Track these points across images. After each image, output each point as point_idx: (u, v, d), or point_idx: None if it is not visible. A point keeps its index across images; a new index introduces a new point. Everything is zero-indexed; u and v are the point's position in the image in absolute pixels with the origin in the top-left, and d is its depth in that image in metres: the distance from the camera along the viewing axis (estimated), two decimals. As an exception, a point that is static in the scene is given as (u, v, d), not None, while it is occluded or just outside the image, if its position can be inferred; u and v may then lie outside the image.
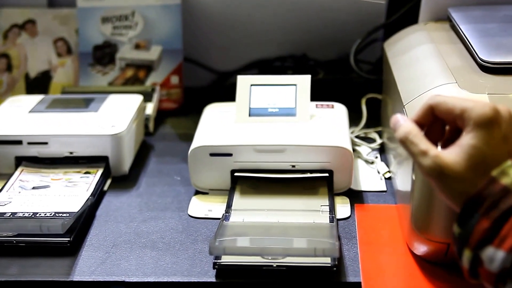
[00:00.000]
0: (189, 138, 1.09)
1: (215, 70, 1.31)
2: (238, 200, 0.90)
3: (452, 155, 0.65)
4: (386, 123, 1.04)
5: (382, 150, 1.06)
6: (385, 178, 0.98)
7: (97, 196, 0.93)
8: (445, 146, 0.70)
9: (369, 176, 0.98)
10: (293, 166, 0.92)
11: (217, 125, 0.97)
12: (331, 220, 0.84)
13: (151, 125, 1.14)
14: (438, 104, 0.68)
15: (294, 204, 0.89)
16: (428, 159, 0.65)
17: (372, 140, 1.09)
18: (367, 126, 1.12)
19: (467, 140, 0.65)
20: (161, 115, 1.20)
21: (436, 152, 0.65)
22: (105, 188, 0.97)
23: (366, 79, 1.17)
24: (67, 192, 0.92)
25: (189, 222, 0.89)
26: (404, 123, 0.69)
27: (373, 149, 1.05)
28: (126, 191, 0.97)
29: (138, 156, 1.06)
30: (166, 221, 0.89)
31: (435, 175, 0.65)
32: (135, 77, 1.22)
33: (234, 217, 0.86)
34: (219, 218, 0.88)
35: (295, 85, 0.99)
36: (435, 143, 0.70)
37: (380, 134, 1.09)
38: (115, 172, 0.99)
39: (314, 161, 0.91)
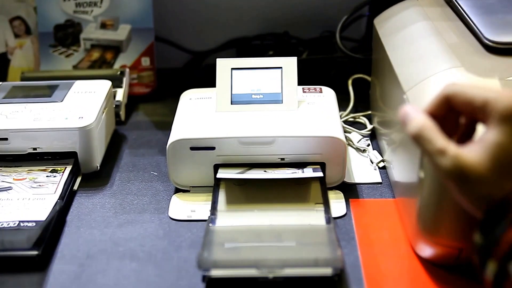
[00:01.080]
0: (164, 126, 1.01)
1: (189, 50, 1.22)
2: (224, 199, 0.82)
3: (474, 154, 0.57)
4: (376, 107, 0.97)
5: (372, 136, 0.98)
6: (379, 168, 0.90)
7: (67, 198, 0.84)
8: (460, 142, 0.62)
9: (361, 166, 0.91)
10: (282, 159, 0.84)
11: (196, 114, 0.88)
12: (328, 221, 0.77)
13: (122, 113, 1.05)
14: (455, 94, 0.61)
15: (284, 201, 0.81)
16: (447, 159, 0.58)
17: (361, 126, 1.01)
18: (355, 109, 1.04)
19: (491, 136, 0.57)
20: (132, 101, 1.11)
21: (456, 151, 0.58)
22: (75, 187, 0.88)
23: (350, 58, 1.09)
24: (32, 195, 0.83)
25: (170, 226, 0.80)
26: (416, 116, 0.61)
27: (364, 136, 0.98)
28: (98, 190, 0.88)
29: (110, 148, 0.97)
30: (145, 225, 0.81)
31: (455, 177, 0.58)
32: (102, 59, 1.12)
33: (221, 220, 0.78)
34: (203, 220, 0.80)
35: (280, 68, 0.90)
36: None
37: (369, 119, 1.01)
38: (85, 169, 0.90)
39: (304, 153, 0.84)
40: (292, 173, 0.81)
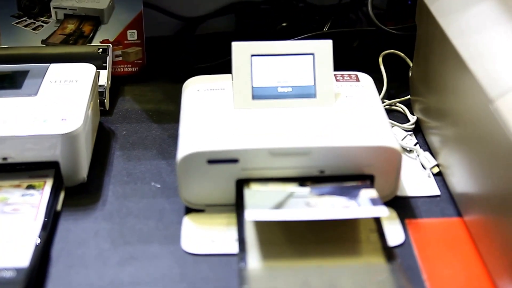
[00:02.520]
0: (159, 116, 0.85)
1: (181, 16, 1.02)
2: (251, 226, 0.65)
3: None
4: (423, 92, 0.80)
5: (416, 130, 0.82)
6: (433, 175, 0.74)
7: (51, 225, 0.66)
8: None
9: (411, 172, 0.75)
10: (322, 171, 0.68)
11: (209, 114, 0.71)
12: (390, 257, 0.61)
13: (106, 101, 0.86)
14: None
15: (327, 228, 0.65)
16: None
17: (400, 116, 0.84)
18: (388, 95, 0.87)
19: None
20: (117, 82, 0.92)
21: None
22: (58, 207, 0.70)
23: (377, 31, 0.91)
24: (6, 226, 0.64)
25: (187, 262, 0.63)
26: None
27: (407, 130, 0.81)
28: (88, 211, 0.70)
29: (96, 150, 0.79)
30: (155, 262, 0.63)
31: None
32: (78, 33, 0.92)
33: (253, 258, 0.61)
34: (228, 255, 0.63)
35: (312, 54, 0.73)
36: None
37: (409, 107, 0.85)
38: (70, 182, 0.72)
39: (350, 165, 0.67)
40: (344, 207, 0.63)
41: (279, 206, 0.62)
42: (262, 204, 0.63)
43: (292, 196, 0.64)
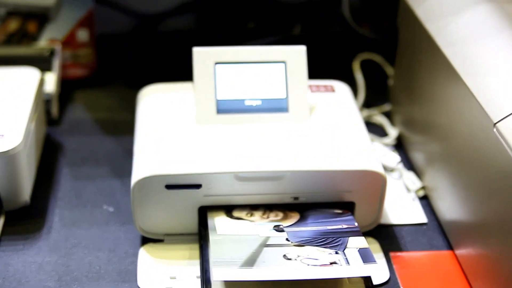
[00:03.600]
0: (113, 127, 0.77)
1: (137, 12, 0.93)
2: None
3: None
4: (405, 103, 0.73)
5: (397, 146, 0.75)
6: (418, 198, 0.68)
7: (-15, 260, 0.58)
8: None
9: (394, 195, 0.68)
10: (296, 198, 0.60)
11: (168, 131, 0.62)
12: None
13: (54, 109, 0.77)
14: None
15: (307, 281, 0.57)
16: None
17: (379, 129, 0.77)
18: (366, 104, 0.80)
19: None
20: (66, 87, 0.83)
21: None
22: (-3, 236, 0.62)
23: (348, 31, 0.84)
24: None
25: (143, 305, 0.56)
26: None
27: (388, 145, 0.74)
28: (30, 240, 0.62)
29: (42, 165, 0.70)
30: (106, 305, 0.56)
31: None
32: (22, 32, 0.83)
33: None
34: (190, 294, 0.56)
35: (283, 62, 0.65)
36: None
37: (390, 118, 0.78)
38: (9, 205, 0.64)
39: (327, 191, 0.60)
40: (329, 262, 0.54)
41: (251, 260, 0.53)
42: (231, 257, 0.54)
43: (266, 245, 0.56)
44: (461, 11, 0.63)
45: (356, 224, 0.58)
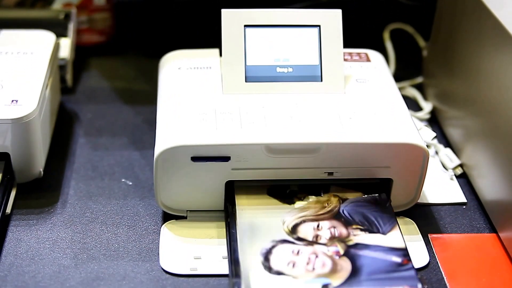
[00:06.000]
0: (130, 96, 0.73)
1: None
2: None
3: None
4: (441, 77, 0.69)
5: (431, 121, 0.71)
6: (455, 177, 0.63)
7: (-3, 234, 0.54)
8: None
9: (430, 173, 0.63)
10: (330, 173, 0.56)
11: (193, 100, 0.58)
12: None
13: (69, 77, 0.73)
14: None
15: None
16: None
17: (412, 103, 0.73)
18: (396, 76, 0.75)
19: None
20: (81, 54, 0.78)
21: None
22: (8, 209, 0.57)
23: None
24: None
25: (166, 286, 0.52)
26: None
27: (422, 120, 0.70)
28: (44, 214, 0.58)
29: (56, 136, 0.66)
30: (126, 285, 0.51)
31: None
32: (35, -5, 0.79)
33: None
34: (215, 275, 0.52)
35: (317, 26, 0.60)
36: None
37: (422, 91, 0.73)
38: (23, 177, 0.59)
39: (364, 166, 0.56)
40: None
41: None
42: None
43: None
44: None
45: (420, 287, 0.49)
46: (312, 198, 0.56)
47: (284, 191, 0.56)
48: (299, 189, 0.57)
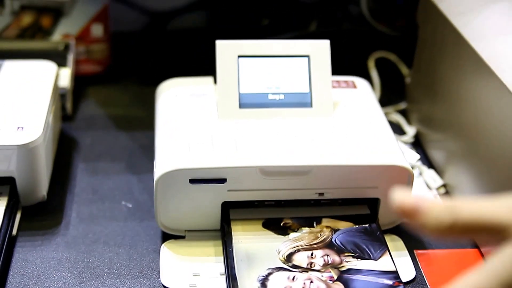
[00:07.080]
0: (127, 123, 0.76)
1: (148, 10, 0.92)
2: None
3: None
4: (423, 101, 0.73)
5: (415, 144, 0.74)
6: (439, 196, 0.67)
7: (4, 254, 0.56)
8: None
9: (414, 192, 0.67)
10: (321, 194, 0.59)
11: (189, 125, 0.61)
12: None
13: (69, 105, 0.76)
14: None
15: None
16: None
17: (395, 128, 0.76)
18: (381, 102, 0.79)
19: None
20: (80, 84, 0.82)
21: None
22: (14, 231, 0.60)
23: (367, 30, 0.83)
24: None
25: (167, 301, 0.54)
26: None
27: (406, 143, 0.73)
28: (48, 235, 0.60)
29: (57, 161, 0.69)
30: (130, 302, 0.54)
31: None
32: (36, 27, 0.82)
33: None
34: (216, 292, 0.55)
35: (307, 56, 0.64)
36: None
37: (406, 116, 0.77)
38: (27, 200, 0.62)
39: (353, 187, 0.59)
40: None
41: None
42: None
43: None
44: (488, 3, 0.63)
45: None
46: (306, 229, 0.59)
47: (279, 223, 0.59)
48: (292, 221, 0.60)
